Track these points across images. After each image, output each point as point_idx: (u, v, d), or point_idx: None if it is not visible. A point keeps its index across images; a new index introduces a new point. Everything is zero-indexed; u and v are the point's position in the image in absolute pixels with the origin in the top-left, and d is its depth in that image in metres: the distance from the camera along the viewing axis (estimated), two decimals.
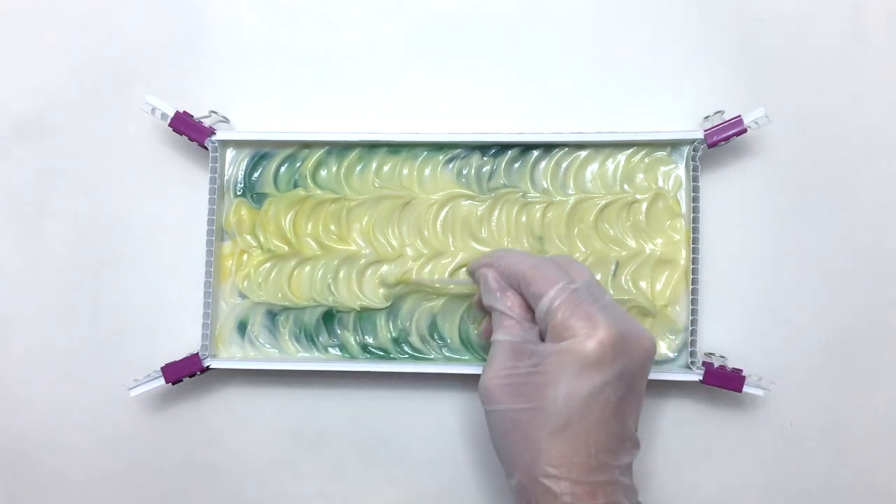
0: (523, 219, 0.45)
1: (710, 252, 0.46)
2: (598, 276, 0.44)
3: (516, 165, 0.45)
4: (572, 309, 0.34)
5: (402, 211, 0.46)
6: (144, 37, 0.48)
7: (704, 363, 0.43)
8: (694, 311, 0.43)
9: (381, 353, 0.45)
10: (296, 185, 0.46)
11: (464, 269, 0.44)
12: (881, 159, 0.46)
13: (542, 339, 0.36)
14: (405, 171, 0.46)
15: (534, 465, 0.34)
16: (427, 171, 0.46)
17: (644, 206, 0.45)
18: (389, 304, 0.45)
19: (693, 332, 0.43)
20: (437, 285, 0.45)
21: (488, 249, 0.45)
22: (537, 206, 0.45)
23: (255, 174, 0.46)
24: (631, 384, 0.35)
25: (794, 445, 0.45)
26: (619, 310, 0.36)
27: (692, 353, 0.43)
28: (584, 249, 0.45)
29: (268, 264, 0.46)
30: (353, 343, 0.45)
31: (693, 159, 0.44)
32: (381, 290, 0.45)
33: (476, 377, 0.45)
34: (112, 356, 0.47)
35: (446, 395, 0.46)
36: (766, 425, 0.46)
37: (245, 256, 0.46)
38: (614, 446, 0.34)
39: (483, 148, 0.46)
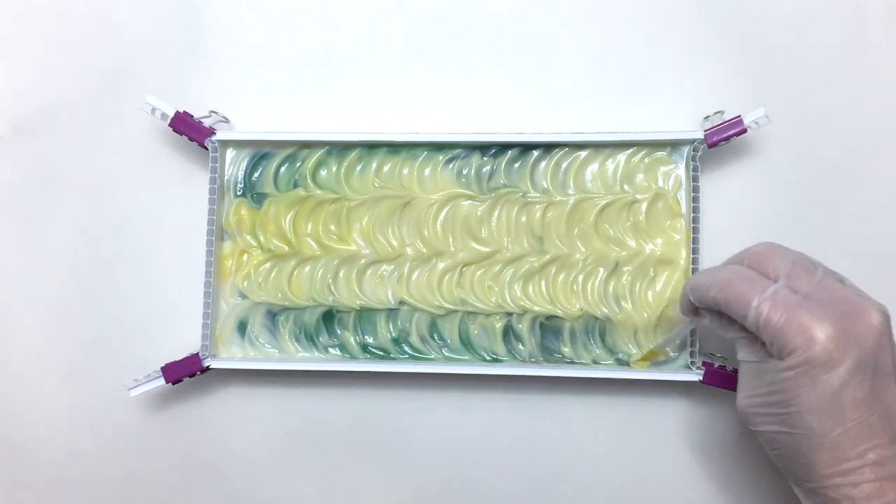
0: (523, 219, 0.45)
1: (710, 252, 0.45)
2: (602, 273, 0.44)
3: (516, 165, 0.45)
4: (781, 321, 0.32)
5: (402, 211, 0.46)
6: (144, 37, 0.48)
7: (704, 363, 0.43)
8: None
9: (381, 353, 0.45)
10: (296, 185, 0.46)
11: (679, 312, 0.41)
12: (881, 159, 0.46)
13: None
14: (405, 171, 0.46)
15: (810, 477, 0.33)
16: (427, 171, 0.46)
17: (644, 206, 0.45)
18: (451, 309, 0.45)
19: (693, 332, 0.43)
20: (677, 341, 0.44)
21: (488, 250, 0.45)
22: (537, 206, 0.45)
23: (255, 174, 0.46)
24: (875, 367, 0.32)
25: None
26: (833, 289, 0.33)
27: (692, 353, 0.43)
28: (584, 249, 0.45)
29: (268, 264, 0.46)
30: (353, 343, 0.45)
31: (693, 159, 0.44)
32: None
33: (476, 377, 0.45)
34: (112, 356, 0.47)
35: (446, 395, 0.46)
36: None
37: (245, 256, 0.46)
38: (884, 438, 0.32)
39: (483, 148, 0.46)
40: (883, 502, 0.32)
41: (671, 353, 0.44)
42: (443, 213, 0.46)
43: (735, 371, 0.43)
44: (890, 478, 0.32)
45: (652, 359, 0.44)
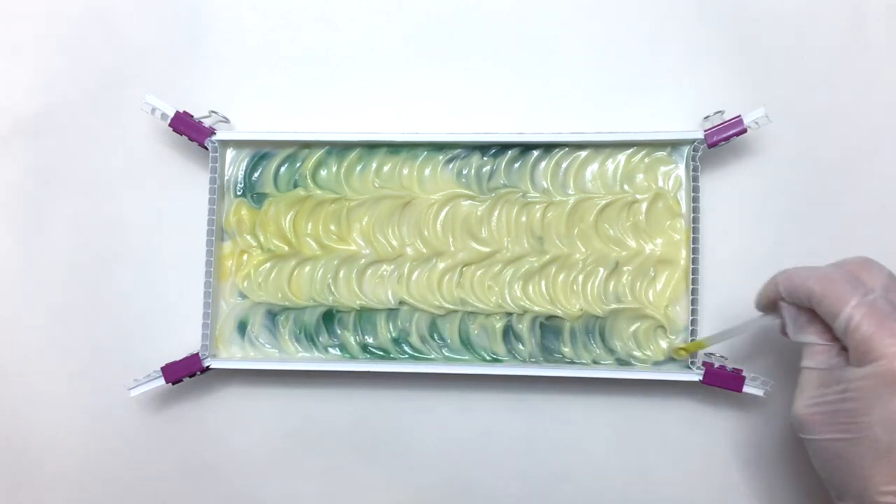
0: (523, 219, 0.45)
1: (710, 252, 0.46)
2: (602, 273, 0.44)
3: (516, 165, 0.45)
4: (873, 327, 0.32)
5: (402, 211, 0.46)
6: (144, 37, 0.48)
7: (704, 363, 0.43)
8: (694, 311, 0.44)
9: (381, 353, 0.45)
10: (296, 185, 0.46)
11: (755, 305, 0.41)
12: (881, 159, 0.46)
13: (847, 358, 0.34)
14: (405, 171, 0.46)
15: (863, 491, 0.33)
16: (427, 171, 0.46)
17: (644, 206, 0.45)
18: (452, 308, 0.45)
19: (693, 333, 0.43)
20: (737, 335, 0.43)
21: (488, 250, 0.45)
22: (537, 206, 0.45)
23: (255, 174, 0.46)
24: None
25: (794, 445, 0.45)
26: None
27: (692, 354, 0.43)
28: (584, 249, 0.45)
29: (268, 264, 0.46)
30: (353, 343, 0.45)
31: (693, 159, 0.44)
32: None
33: (476, 377, 0.45)
34: (112, 356, 0.47)
35: (446, 395, 0.46)
36: (766, 425, 0.45)
37: (245, 256, 0.46)
38: None
39: (483, 148, 0.46)
40: None
41: (717, 354, 0.44)
42: (443, 213, 0.46)
43: (735, 371, 0.43)
44: None
45: (695, 350, 0.43)
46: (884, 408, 0.32)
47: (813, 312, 0.36)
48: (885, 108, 0.46)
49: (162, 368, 0.44)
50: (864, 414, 0.33)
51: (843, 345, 0.35)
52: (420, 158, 0.46)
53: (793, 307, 0.37)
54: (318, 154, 0.46)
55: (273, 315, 0.46)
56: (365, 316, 0.45)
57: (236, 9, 0.48)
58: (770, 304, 0.38)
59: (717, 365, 0.43)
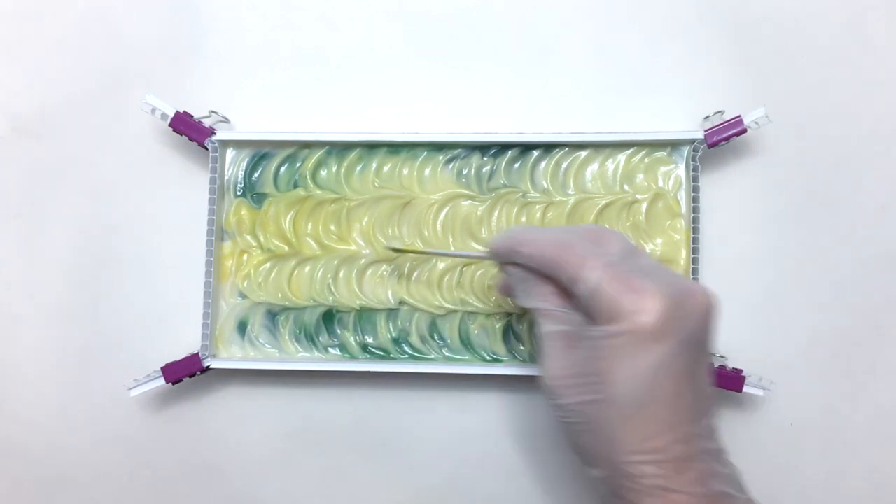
0: (523, 219, 0.45)
1: (710, 252, 0.46)
2: None
3: (516, 165, 0.45)
4: (615, 285, 0.31)
5: (402, 211, 0.46)
6: (144, 37, 0.48)
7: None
8: None
9: (381, 353, 0.45)
10: (296, 185, 0.46)
11: (486, 246, 0.40)
12: (881, 159, 0.46)
13: (590, 319, 0.33)
14: (405, 171, 0.46)
15: (613, 454, 0.32)
16: (427, 171, 0.46)
17: (644, 206, 0.45)
18: (397, 303, 0.45)
19: None
20: (457, 257, 0.43)
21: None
22: (537, 206, 0.45)
23: (255, 174, 0.46)
24: (697, 346, 0.32)
25: (794, 445, 0.45)
26: (664, 270, 0.33)
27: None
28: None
29: (268, 264, 0.46)
30: (353, 343, 0.45)
31: (693, 159, 0.44)
32: (384, 250, 0.45)
33: (476, 377, 0.45)
34: (112, 356, 0.47)
35: (446, 395, 0.46)
36: (766, 425, 0.45)
37: (245, 256, 0.46)
38: (692, 414, 0.32)
39: (483, 148, 0.46)
40: (682, 482, 0.31)
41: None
42: (443, 213, 0.46)
43: (735, 371, 0.43)
44: (690, 456, 0.31)
45: (409, 252, 0.44)
46: (630, 367, 0.31)
47: (542, 278, 0.35)
48: (885, 108, 0.46)
49: (162, 368, 0.44)
50: (612, 373, 0.31)
51: (574, 308, 0.34)
52: (420, 158, 0.46)
53: (520, 271, 0.36)
54: (318, 154, 0.46)
55: (273, 315, 0.46)
56: (365, 316, 0.45)
57: (236, 9, 0.48)
58: (502, 258, 0.37)
59: (716, 365, 0.43)
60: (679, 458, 0.31)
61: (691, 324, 0.32)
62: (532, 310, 0.36)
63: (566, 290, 0.34)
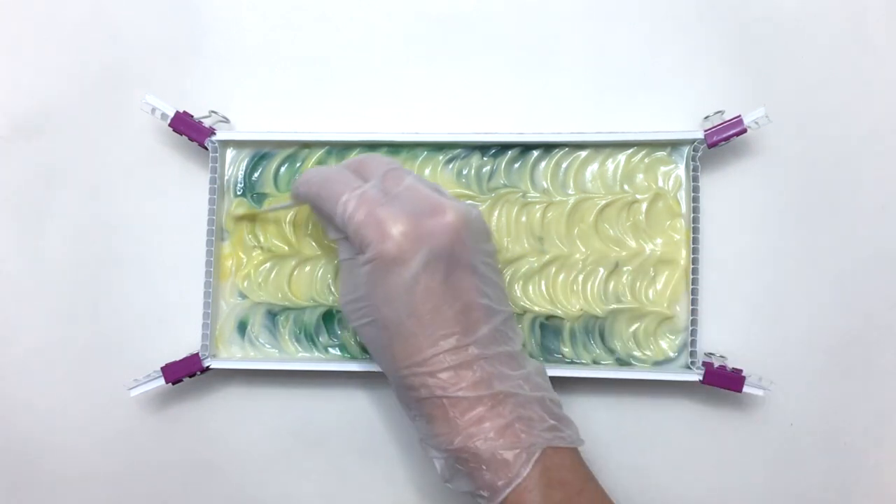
0: (523, 219, 0.45)
1: (710, 252, 0.46)
2: (602, 273, 0.44)
3: (516, 165, 0.45)
4: (361, 216, 0.34)
5: None
6: (144, 37, 0.48)
7: (704, 363, 0.43)
8: (694, 311, 0.43)
9: None
10: None
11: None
12: (881, 159, 0.46)
13: None
14: None
15: (393, 370, 0.35)
16: (427, 172, 0.46)
17: (644, 206, 0.45)
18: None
19: (693, 332, 0.43)
20: (270, 213, 0.45)
21: None
22: (537, 206, 0.45)
23: (255, 174, 0.46)
24: (451, 261, 0.34)
25: (794, 445, 0.45)
26: (419, 191, 0.35)
27: (692, 353, 0.43)
28: (584, 250, 0.45)
29: (268, 264, 0.46)
30: (353, 343, 0.45)
31: (693, 159, 0.44)
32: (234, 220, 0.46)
33: None
34: (112, 356, 0.47)
35: None
36: (766, 425, 0.45)
37: (245, 256, 0.46)
38: (461, 325, 0.34)
39: (483, 148, 0.46)
40: (458, 388, 0.33)
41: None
42: None
43: (735, 371, 0.43)
44: (464, 365, 0.34)
45: (252, 216, 0.45)
46: (384, 289, 0.34)
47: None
48: (885, 108, 0.46)
49: (162, 368, 0.44)
50: (372, 297, 0.35)
51: None
52: (420, 158, 0.46)
53: (315, 209, 0.38)
54: (319, 154, 0.46)
55: (273, 315, 0.46)
56: None
57: (236, 9, 0.48)
58: (297, 200, 0.40)
59: (717, 365, 0.43)
60: (451, 366, 0.34)
61: (436, 242, 0.34)
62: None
63: None
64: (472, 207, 0.36)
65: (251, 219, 0.46)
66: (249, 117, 0.48)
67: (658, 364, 0.44)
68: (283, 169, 0.46)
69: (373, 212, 0.34)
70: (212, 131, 0.45)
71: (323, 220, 0.39)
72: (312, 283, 0.45)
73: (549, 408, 0.36)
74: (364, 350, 0.45)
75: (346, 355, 0.45)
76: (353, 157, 0.38)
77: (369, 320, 0.35)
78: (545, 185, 0.45)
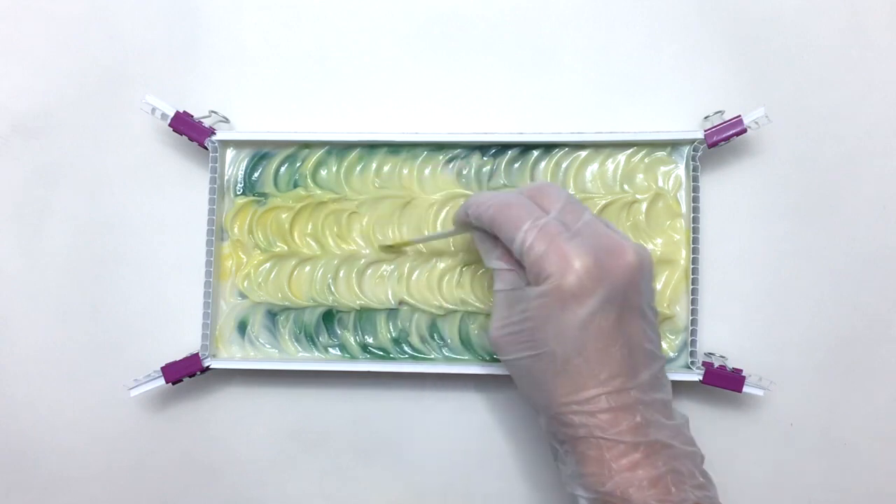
0: None
1: (710, 252, 0.46)
2: None
3: (516, 165, 0.46)
4: (542, 246, 0.33)
5: (402, 211, 0.46)
6: (144, 37, 0.48)
7: (704, 363, 0.43)
8: (694, 311, 0.43)
9: (381, 353, 0.45)
10: (296, 185, 0.46)
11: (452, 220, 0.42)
12: (881, 159, 0.46)
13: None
14: (405, 171, 0.46)
15: (550, 404, 0.35)
16: (427, 171, 0.46)
17: (644, 206, 0.45)
18: (397, 304, 0.45)
19: (693, 332, 0.43)
20: (433, 242, 0.45)
21: None
22: None
23: (255, 174, 0.46)
24: (624, 303, 0.34)
25: (794, 445, 0.45)
26: (598, 228, 0.35)
27: (692, 353, 0.43)
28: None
29: (268, 264, 0.46)
30: (353, 343, 0.45)
31: (693, 159, 0.44)
32: (379, 250, 0.45)
33: (476, 377, 0.46)
34: (112, 356, 0.47)
35: (446, 395, 0.46)
36: (766, 425, 0.45)
37: (245, 256, 0.46)
38: (625, 369, 0.34)
39: (483, 148, 0.46)
40: (616, 431, 0.33)
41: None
42: (443, 214, 0.46)
43: (735, 371, 0.43)
44: (624, 408, 0.33)
45: (400, 246, 0.45)
46: (556, 323, 0.33)
47: (494, 238, 0.37)
48: (885, 108, 0.46)
49: (162, 368, 0.44)
50: (541, 331, 0.34)
51: (522, 267, 0.35)
52: (420, 158, 0.46)
53: (480, 232, 0.38)
54: (318, 154, 0.46)
55: (273, 315, 0.46)
56: (365, 316, 0.45)
57: (236, 9, 0.48)
58: (461, 225, 0.39)
59: (717, 365, 0.43)
60: (612, 408, 0.33)
61: (614, 283, 0.33)
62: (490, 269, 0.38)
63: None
64: (645, 248, 0.35)
65: (398, 250, 0.45)
66: (249, 117, 0.48)
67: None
68: (283, 169, 0.46)
69: (556, 244, 0.33)
70: (212, 131, 0.45)
71: (487, 247, 0.38)
72: (312, 283, 0.45)
73: (698, 464, 0.35)
74: (364, 350, 0.45)
75: (346, 355, 0.45)
76: (531, 184, 0.38)
77: (533, 353, 0.35)
78: None
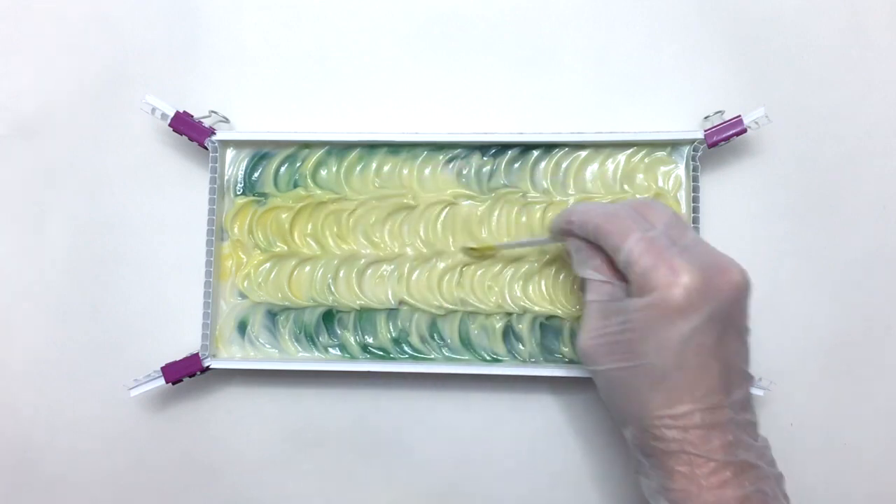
0: (523, 219, 0.45)
1: None
2: None
3: (516, 165, 0.46)
4: (651, 259, 0.33)
5: (402, 211, 0.46)
6: (144, 37, 0.48)
7: None
8: None
9: (381, 353, 0.45)
10: (296, 185, 0.46)
11: (548, 229, 0.42)
12: (881, 159, 0.46)
13: (629, 290, 0.35)
14: (405, 171, 0.46)
15: (641, 417, 0.35)
16: (427, 171, 0.46)
17: None
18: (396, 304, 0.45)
19: None
20: (526, 246, 0.44)
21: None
22: (537, 207, 0.45)
23: (255, 174, 0.46)
24: (726, 321, 0.34)
25: (794, 445, 0.45)
26: (703, 246, 0.35)
27: (482, 254, 0.44)
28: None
29: (268, 264, 0.46)
30: (353, 343, 0.45)
31: (693, 159, 0.44)
32: (460, 256, 0.45)
33: (476, 377, 0.45)
34: (112, 356, 0.47)
35: (446, 395, 0.46)
36: (766, 425, 0.45)
37: (245, 256, 0.46)
38: (720, 387, 0.34)
39: (483, 148, 0.46)
40: (708, 448, 0.33)
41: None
42: (443, 213, 0.46)
43: None
44: (717, 425, 0.33)
45: (485, 251, 0.44)
46: (658, 336, 0.33)
47: (594, 248, 0.37)
48: (885, 108, 0.46)
49: (162, 368, 0.44)
50: (642, 343, 0.34)
51: (621, 279, 0.36)
52: (420, 158, 0.46)
53: (577, 240, 0.38)
54: (318, 154, 0.46)
55: (273, 315, 0.46)
56: (365, 316, 0.45)
57: (236, 9, 0.48)
58: (559, 233, 0.39)
59: None
60: (705, 425, 0.33)
61: (720, 300, 0.33)
62: (582, 278, 0.38)
63: (612, 260, 0.36)
64: (745, 270, 0.35)
65: (483, 254, 0.45)
66: (249, 117, 0.48)
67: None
68: (283, 169, 0.46)
69: (664, 258, 0.33)
70: (212, 131, 0.45)
71: (583, 256, 0.38)
72: (312, 283, 0.45)
73: (781, 486, 0.35)
74: (364, 350, 0.45)
75: (346, 355, 0.45)
76: (637, 198, 0.38)
77: (630, 365, 0.35)
78: (545, 185, 0.45)
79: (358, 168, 0.46)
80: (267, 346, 0.46)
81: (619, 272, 0.36)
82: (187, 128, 0.45)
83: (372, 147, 0.46)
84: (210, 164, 0.45)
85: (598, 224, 0.36)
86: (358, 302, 0.45)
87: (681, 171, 0.45)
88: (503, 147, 0.45)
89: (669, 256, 0.33)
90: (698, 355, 0.33)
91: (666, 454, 0.34)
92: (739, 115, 0.43)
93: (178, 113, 0.45)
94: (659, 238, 0.34)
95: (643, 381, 0.34)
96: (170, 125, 0.45)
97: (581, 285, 0.40)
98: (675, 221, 0.36)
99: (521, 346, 0.45)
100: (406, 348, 0.45)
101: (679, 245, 0.34)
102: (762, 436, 0.36)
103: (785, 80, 0.46)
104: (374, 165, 0.46)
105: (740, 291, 0.34)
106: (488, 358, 0.45)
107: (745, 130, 0.43)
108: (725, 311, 0.34)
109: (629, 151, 0.45)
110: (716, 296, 0.33)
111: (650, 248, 0.34)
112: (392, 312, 0.45)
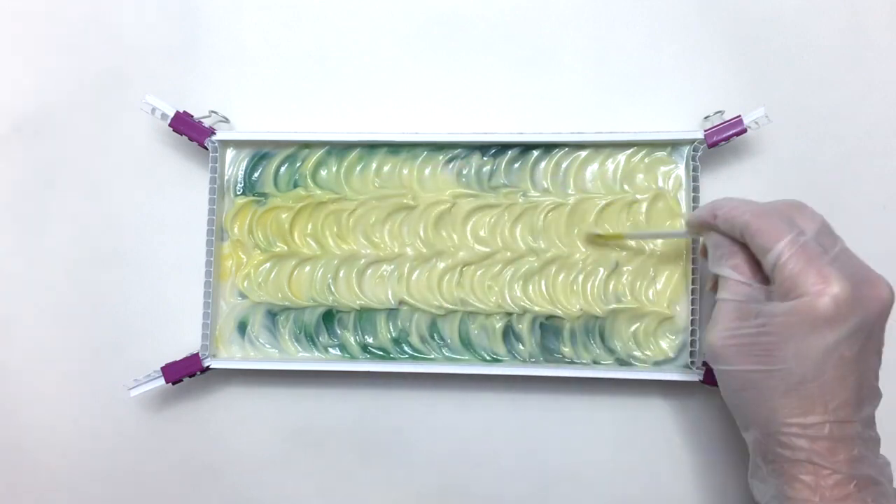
0: (523, 219, 0.45)
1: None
2: (602, 273, 0.44)
3: (516, 165, 0.46)
4: (802, 264, 0.33)
5: (402, 211, 0.46)
6: (144, 37, 0.48)
7: (704, 363, 0.43)
8: (694, 311, 0.44)
9: (381, 353, 0.45)
10: (296, 185, 0.46)
11: (682, 221, 0.41)
12: (881, 159, 0.46)
13: (769, 293, 0.34)
14: (405, 171, 0.46)
15: (769, 422, 0.34)
16: (427, 171, 0.46)
17: (644, 206, 0.45)
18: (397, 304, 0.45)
19: (693, 332, 0.43)
20: (656, 238, 0.44)
21: (488, 250, 0.45)
22: (537, 207, 0.45)
23: (255, 174, 0.46)
24: (868, 336, 0.33)
25: None
26: (853, 258, 0.35)
27: (692, 353, 0.44)
28: (583, 249, 0.45)
29: (268, 264, 0.46)
30: (353, 343, 0.45)
31: (693, 159, 0.44)
32: (579, 243, 0.45)
33: (476, 377, 0.45)
34: (112, 356, 0.47)
35: (446, 395, 0.46)
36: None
37: (245, 256, 0.46)
38: (853, 401, 0.33)
39: (483, 148, 0.46)
40: (835, 461, 0.33)
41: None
42: (439, 209, 0.46)
43: None
44: (844, 438, 0.33)
45: (612, 239, 0.44)
46: (800, 342, 0.33)
47: (736, 246, 0.36)
48: (885, 108, 0.46)
49: (162, 368, 0.44)
50: (781, 348, 0.33)
51: (760, 280, 0.35)
52: (420, 158, 0.46)
53: (717, 236, 0.37)
54: (318, 154, 0.46)
55: (273, 315, 0.46)
56: (365, 316, 0.45)
57: (236, 9, 0.48)
58: (698, 226, 0.39)
59: None
60: (833, 437, 0.33)
61: (867, 314, 0.33)
62: (717, 275, 0.37)
63: (754, 260, 0.35)
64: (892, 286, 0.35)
65: (603, 244, 0.44)
66: (249, 117, 0.48)
67: (658, 364, 0.44)
68: (282, 169, 0.46)
69: (816, 264, 0.33)
70: (212, 131, 0.45)
71: (722, 252, 0.37)
72: (312, 283, 0.45)
73: None
74: (364, 350, 0.45)
75: (346, 355, 0.45)
76: (786, 199, 0.37)
77: (765, 368, 0.34)
78: (545, 185, 0.45)
79: (358, 168, 0.46)
80: (267, 346, 0.46)
81: (759, 273, 0.35)
82: (187, 128, 0.45)
83: (372, 147, 0.46)
84: (210, 164, 0.45)
85: (748, 221, 0.35)
86: (358, 302, 0.45)
87: (681, 171, 0.45)
88: (503, 147, 0.45)
89: (820, 264, 0.33)
90: (838, 367, 0.33)
91: (790, 462, 0.34)
92: (739, 116, 0.43)
93: (178, 113, 0.45)
94: (811, 244, 0.34)
95: (777, 386, 0.34)
96: (170, 125, 0.45)
97: (713, 282, 0.39)
98: (826, 229, 0.35)
99: (520, 346, 0.45)
100: (406, 348, 0.45)
101: (830, 254, 0.34)
102: (883, 455, 0.36)
103: (785, 80, 0.46)
104: (374, 165, 0.46)
105: (887, 307, 0.34)
106: (488, 358, 0.45)
107: (745, 130, 0.43)
108: (870, 326, 0.33)
109: (629, 151, 0.45)
110: (863, 309, 0.33)
111: (801, 253, 0.33)
112: (392, 312, 0.45)
